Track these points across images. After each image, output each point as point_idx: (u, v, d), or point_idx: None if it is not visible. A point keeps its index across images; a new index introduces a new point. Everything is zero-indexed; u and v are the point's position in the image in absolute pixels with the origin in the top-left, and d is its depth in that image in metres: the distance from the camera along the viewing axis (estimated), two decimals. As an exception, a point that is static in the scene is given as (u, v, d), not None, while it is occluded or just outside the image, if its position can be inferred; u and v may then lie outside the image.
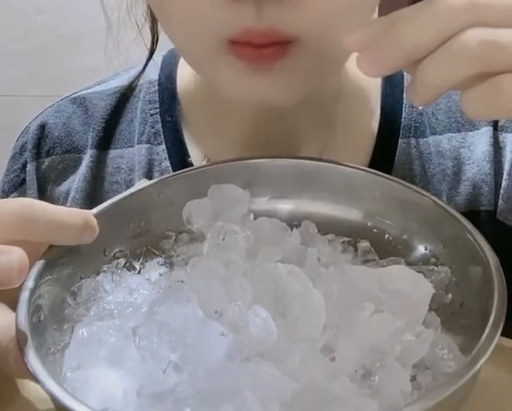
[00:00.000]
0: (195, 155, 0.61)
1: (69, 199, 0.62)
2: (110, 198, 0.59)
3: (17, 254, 0.36)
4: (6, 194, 0.64)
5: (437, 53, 0.37)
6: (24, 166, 0.64)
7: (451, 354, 0.36)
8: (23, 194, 0.64)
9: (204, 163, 0.59)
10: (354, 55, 0.50)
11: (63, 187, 0.63)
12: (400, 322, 0.36)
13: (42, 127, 0.64)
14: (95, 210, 0.45)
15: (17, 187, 0.64)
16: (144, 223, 0.47)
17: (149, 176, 0.61)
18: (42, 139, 0.64)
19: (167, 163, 0.61)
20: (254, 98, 0.50)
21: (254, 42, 0.45)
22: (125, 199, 0.47)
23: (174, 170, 0.60)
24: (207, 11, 0.45)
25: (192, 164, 0.60)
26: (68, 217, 0.40)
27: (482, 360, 0.32)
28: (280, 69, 0.47)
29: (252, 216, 0.47)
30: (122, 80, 0.66)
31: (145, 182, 0.49)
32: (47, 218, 0.40)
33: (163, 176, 0.50)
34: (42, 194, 0.63)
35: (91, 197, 0.62)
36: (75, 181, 0.63)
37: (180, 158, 0.61)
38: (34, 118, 0.66)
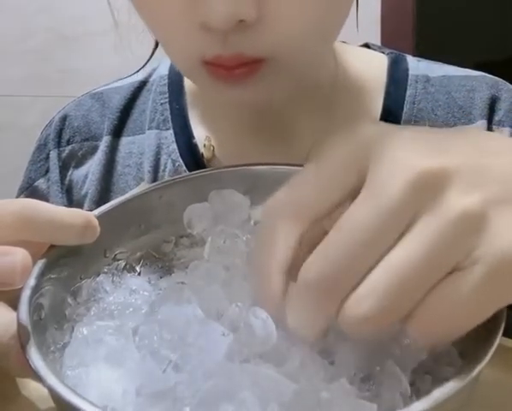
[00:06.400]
0: (199, 137, 0.67)
1: (87, 181, 0.69)
2: (123, 179, 0.68)
3: (21, 255, 0.36)
4: (33, 181, 0.72)
5: None
6: (48, 155, 0.71)
7: (450, 358, 0.36)
8: (48, 181, 0.71)
9: (206, 143, 0.66)
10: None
11: (82, 171, 0.70)
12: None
13: (63, 118, 0.72)
14: (96, 211, 0.45)
15: (43, 174, 0.72)
16: (144, 226, 0.47)
17: (157, 158, 0.68)
18: (63, 129, 0.72)
19: (174, 146, 0.67)
20: (240, 103, 0.56)
21: (225, 65, 0.50)
22: (126, 202, 0.46)
23: (180, 152, 0.67)
24: (184, 36, 0.50)
25: (196, 145, 0.66)
26: (70, 217, 0.40)
27: (481, 366, 0.32)
28: (254, 82, 0.51)
29: (252, 222, 0.47)
30: (137, 77, 0.73)
31: (146, 185, 0.49)
32: (48, 218, 0.40)
33: (164, 180, 0.50)
34: (63, 178, 0.70)
35: (105, 178, 0.68)
36: (92, 166, 0.69)
37: (185, 141, 0.67)
38: (58, 112, 0.74)
